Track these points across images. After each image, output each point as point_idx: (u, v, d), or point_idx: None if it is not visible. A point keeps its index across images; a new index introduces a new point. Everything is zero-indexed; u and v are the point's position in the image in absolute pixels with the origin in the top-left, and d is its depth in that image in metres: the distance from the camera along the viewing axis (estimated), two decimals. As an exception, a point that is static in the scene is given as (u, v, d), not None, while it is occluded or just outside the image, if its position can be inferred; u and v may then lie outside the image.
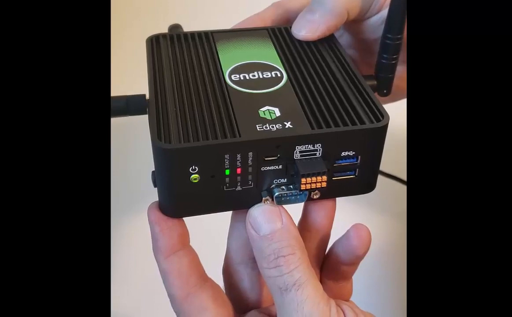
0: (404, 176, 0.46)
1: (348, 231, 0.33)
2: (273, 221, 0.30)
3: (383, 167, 0.33)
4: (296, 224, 0.36)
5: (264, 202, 0.31)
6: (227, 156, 0.29)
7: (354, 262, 0.34)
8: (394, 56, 0.37)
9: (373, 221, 0.58)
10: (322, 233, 0.34)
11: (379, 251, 0.52)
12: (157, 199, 0.31)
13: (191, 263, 0.32)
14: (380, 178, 0.33)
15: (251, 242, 0.31)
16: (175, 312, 0.33)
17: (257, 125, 0.30)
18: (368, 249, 0.33)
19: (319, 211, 0.34)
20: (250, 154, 0.29)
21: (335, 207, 0.34)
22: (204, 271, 0.33)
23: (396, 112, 0.42)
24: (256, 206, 0.31)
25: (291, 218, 0.31)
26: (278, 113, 0.31)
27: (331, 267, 0.35)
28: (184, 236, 0.32)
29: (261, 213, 0.30)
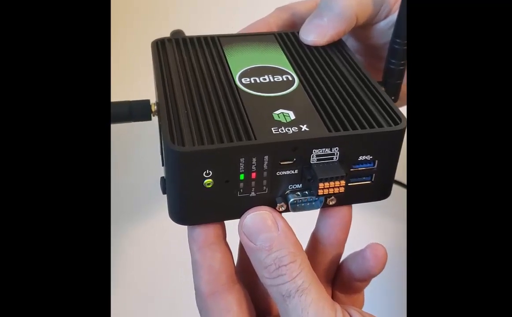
0: (404, 180, 0.46)
1: (364, 250, 0.33)
2: (269, 229, 0.29)
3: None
4: (310, 236, 0.35)
5: (279, 208, 0.30)
6: (242, 159, 0.28)
7: (367, 279, 0.34)
8: (403, 62, 0.37)
9: (373, 224, 0.58)
10: (335, 247, 0.34)
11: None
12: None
13: (224, 260, 0.31)
14: None
15: (248, 253, 0.30)
16: (198, 306, 0.32)
17: (272, 128, 0.29)
18: (383, 268, 0.33)
19: (334, 225, 0.33)
20: (266, 157, 0.28)
21: (351, 220, 0.33)
22: (236, 273, 0.32)
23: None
24: (247, 215, 0.29)
25: (286, 222, 0.30)
26: (293, 116, 0.30)
27: (343, 281, 0.35)
28: (220, 230, 0.31)
29: (255, 222, 0.29)
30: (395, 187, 0.48)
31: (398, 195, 0.47)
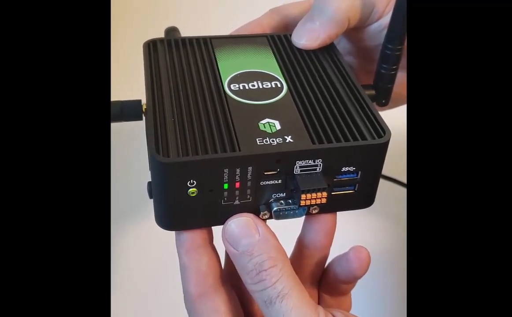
0: (404, 179, 0.46)
1: (347, 253, 0.33)
2: (250, 234, 0.29)
3: (383, 170, 0.32)
4: (296, 240, 0.35)
5: (263, 216, 0.30)
6: (226, 170, 0.28)
7: (352, 281, 0.34)
8: (394, 67, 0.37)
9: (372, 224, 0.58)
10: (320, 251, 0.34)
11: (378, 254, 0.52)
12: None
13: (210, 263, 0.31)
14: (380, 181, 0.32)
15: (232, 258, 0.30)
16: (186, 309, 0.32)
17: (257, 139, 0.29)
18: (367, 270, 0.33)
19: (319, 230, 0.33)
20: (250, 168, 0.28)
21: (335, 226, 0.34)
22: (223, 275, 0.32)
23: (396, 114, 0.42)
24: (229, 222, 0.30)
25: (268, 227, 0.30)
26: (278, 126, 0.30)
27: (328, 283, 0.35)
28: (206, 234, 0.31)
29: (237, 228, 0.29)
30: (395, 186, 0.48)
31: (398, 195, 0.46)
